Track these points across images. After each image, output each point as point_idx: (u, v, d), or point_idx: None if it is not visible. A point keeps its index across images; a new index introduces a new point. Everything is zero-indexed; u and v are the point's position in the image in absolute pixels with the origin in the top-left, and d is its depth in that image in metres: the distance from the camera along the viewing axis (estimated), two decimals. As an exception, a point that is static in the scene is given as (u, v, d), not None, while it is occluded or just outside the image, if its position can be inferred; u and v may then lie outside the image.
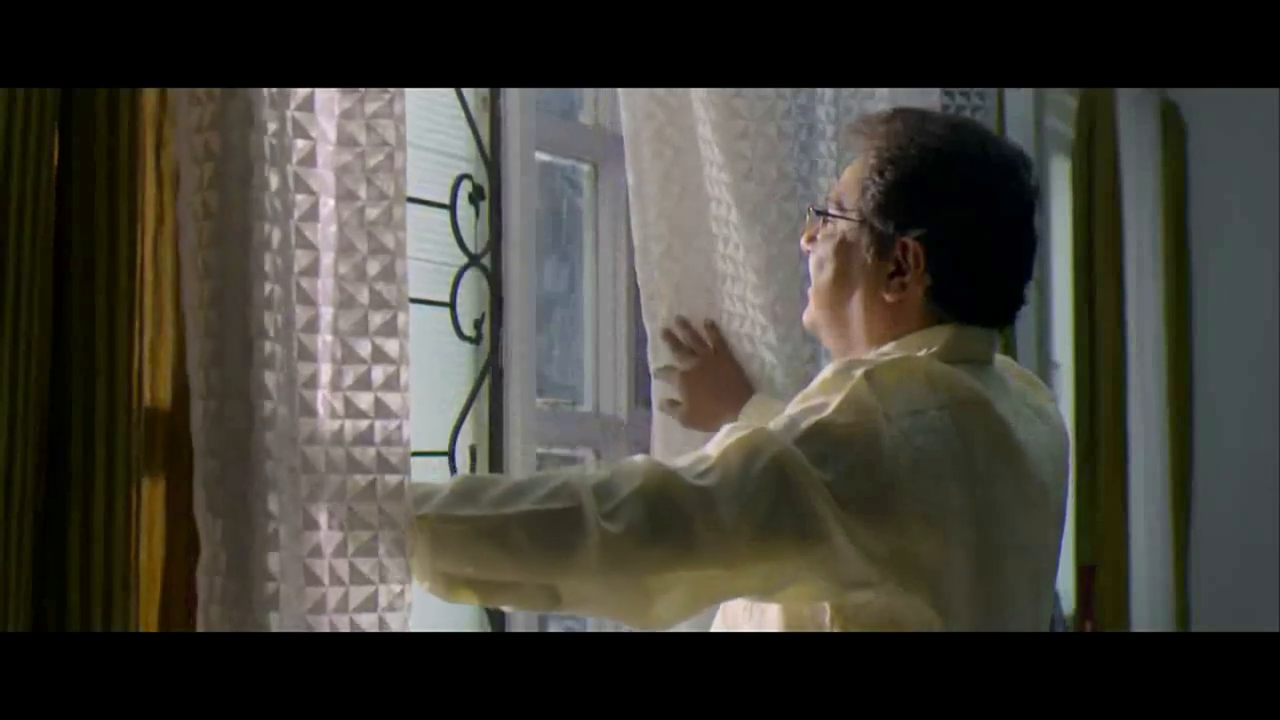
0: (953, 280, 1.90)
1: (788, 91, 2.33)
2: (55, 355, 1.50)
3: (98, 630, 1.49)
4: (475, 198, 2.45)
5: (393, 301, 1.70)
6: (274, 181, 1.60)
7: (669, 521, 1.75)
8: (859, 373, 1.81)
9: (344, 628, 1.65)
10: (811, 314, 2.00)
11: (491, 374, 2.46)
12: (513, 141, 2.50)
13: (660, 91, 2.33)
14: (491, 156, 2.48)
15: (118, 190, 1.53)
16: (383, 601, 1.67)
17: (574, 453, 2.81)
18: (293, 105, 1.65)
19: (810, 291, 2.00)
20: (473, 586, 1.76)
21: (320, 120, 1.68)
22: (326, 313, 1.68)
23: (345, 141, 1.69)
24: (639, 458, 1.85)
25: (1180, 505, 4.99)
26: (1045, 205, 4.34)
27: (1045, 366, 4.34)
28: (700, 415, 2.31)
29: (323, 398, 1.67)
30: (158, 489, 1.61)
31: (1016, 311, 1.98)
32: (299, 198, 1.66)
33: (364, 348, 1.69)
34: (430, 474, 2.23)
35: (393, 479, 1.69)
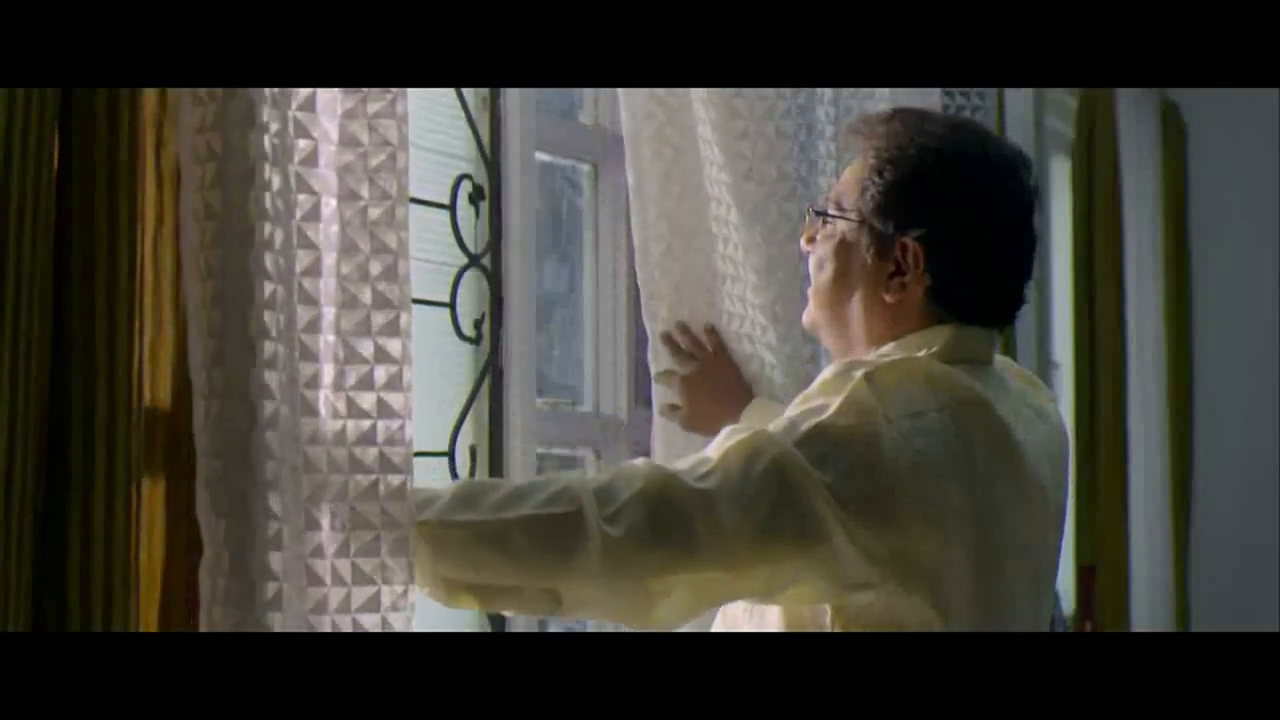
0: (953, 280, 1.90)
1: (787, 91, 2.33)
2: (55, 355, 1.50)
3: (98, 630, 1.49)
4: (475, 198, 2.45)
5: (395, 301, 1.70)
6: (276, 181, 1.60)
7: (670, 524, 1.75)
8: (859, 374, 1.81)
9: (346, 628, 1.65)
10: (811, 314, 2.00)
11: (491, 374, 2.46)
12: (513, 141, 2.49)
13: (660, 91, 2.33)
14: (491, 156, 2.48)
15: (118, 190, 1.53)
16: (386, 602, 1.67)
17: (574, 453, 2.81)
18: (294, 105, 1.65)
19: (810, 292, 2.00)
20: (474, 592, 1.76)
21: (322, 120, 1.68)
22: (329, 313, 1.68)
23: (347, 141, 1.69)
24: (639, 461, 1.85)
25: (1180, 505, 4.99)
26: (1045, 205, 4.34)
27: (1045, 366, 4.34)
28: (701, 420, 2.31)
29: (325, 398, 1.67)
30: (158, 489, 1.61)
31: (1016, 311, 1.98)
32: (301, 198, 1.66)
33: (367, 348, 1.69)
34: (430, 474, 2.23)
35: (395, 479, 1.69)
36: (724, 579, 1.79)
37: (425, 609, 1.75)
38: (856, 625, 1.81)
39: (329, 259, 1.68)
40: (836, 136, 2.42)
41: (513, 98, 2.49)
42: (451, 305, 2.41)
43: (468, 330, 2.43)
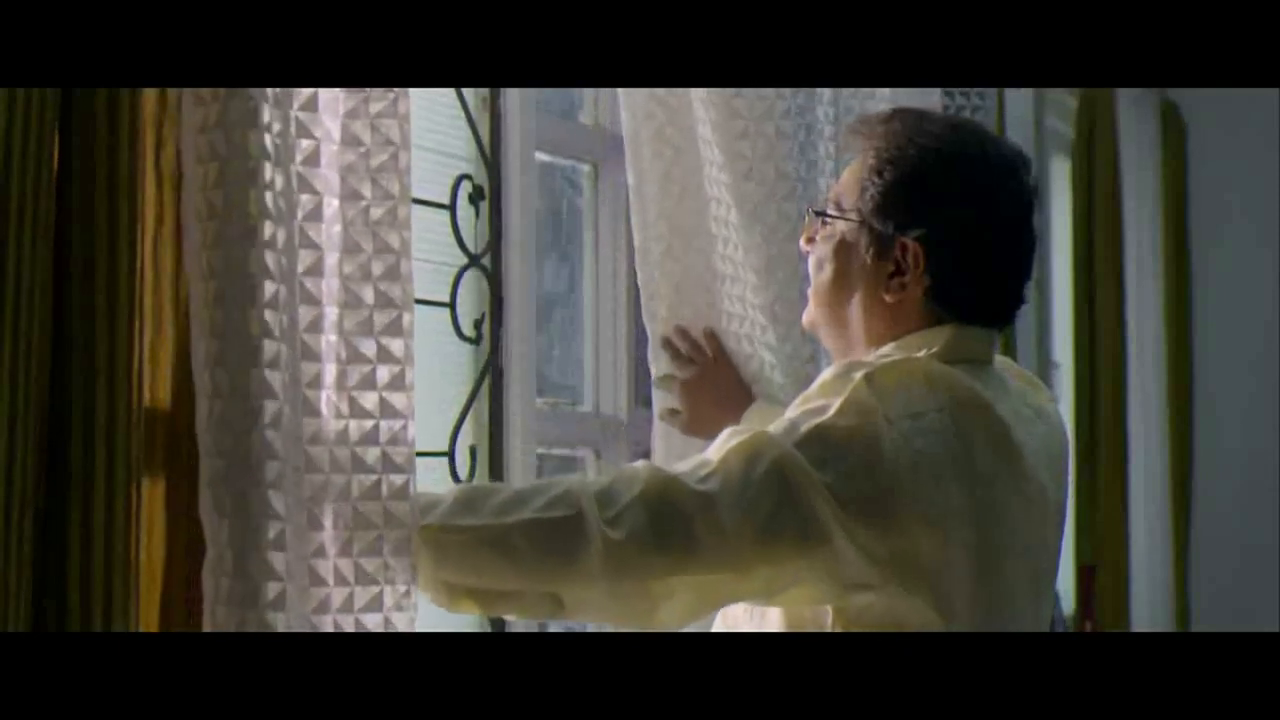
0: (952, 280, 1.90)
1: (787, 91, 2.33)
2: (55, 355, 1.49)
3: (98, 630, 1.49)
4: (475, 198, 2.45)
5: (398, 301, 1.70)
6: (278, 181, 1.60)
7: (671, 526, 1.75)
8: (859, 375, 1.81)
9: (349, 628, 1.65)
10: (811, 314, 2.00)
11: (491, 374, 2.46)
12: (513, 141, 2.49)
13: (660, 91, 2.33)
14: (491, 156, 2.48)
15: (118, 190, 1.53)
16: (388, 601, 1.67)
17: (574, 453, 2.81)
18: (296, 105, 1.65)
19: (810, 292, 2.00)
20: (475, 596, 1.76)
21: (324, 120, 1.68)
22: (331, 312, 1.68)
23: (349, 141, 1.69)
24: (639, 463, 1.85)
25: (1180, 505, 4.99)
26: (1045, 205, 4.34)
27: (1045, 366, 4.34)
28: (701, 423, 2.31)
29: (327, 398, 1.67)
30: (158, 489, 1.61)
31: (1016, 311, 1.98)
32: (303, 198, 1.66)
33: (369, 347, 1.69)
34: (430, 474, 2.23)
35: (398, 479, 1.69)
36: (725, 580, 1.79)
37: (427, 609, 1.75)
38: (857, 626, 1.80)
39: (331, 259, 1.68)
40: (836, 136, 2.42)
41: (513, 98, 2.49)
42: (451, 305, 2.41)
43: (468, 330, 2.43)
